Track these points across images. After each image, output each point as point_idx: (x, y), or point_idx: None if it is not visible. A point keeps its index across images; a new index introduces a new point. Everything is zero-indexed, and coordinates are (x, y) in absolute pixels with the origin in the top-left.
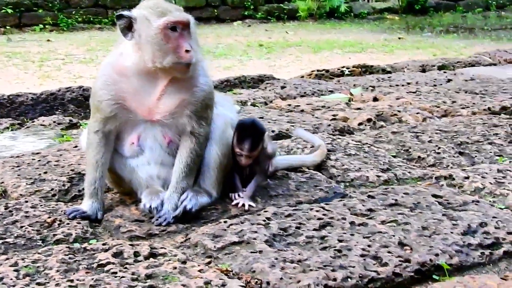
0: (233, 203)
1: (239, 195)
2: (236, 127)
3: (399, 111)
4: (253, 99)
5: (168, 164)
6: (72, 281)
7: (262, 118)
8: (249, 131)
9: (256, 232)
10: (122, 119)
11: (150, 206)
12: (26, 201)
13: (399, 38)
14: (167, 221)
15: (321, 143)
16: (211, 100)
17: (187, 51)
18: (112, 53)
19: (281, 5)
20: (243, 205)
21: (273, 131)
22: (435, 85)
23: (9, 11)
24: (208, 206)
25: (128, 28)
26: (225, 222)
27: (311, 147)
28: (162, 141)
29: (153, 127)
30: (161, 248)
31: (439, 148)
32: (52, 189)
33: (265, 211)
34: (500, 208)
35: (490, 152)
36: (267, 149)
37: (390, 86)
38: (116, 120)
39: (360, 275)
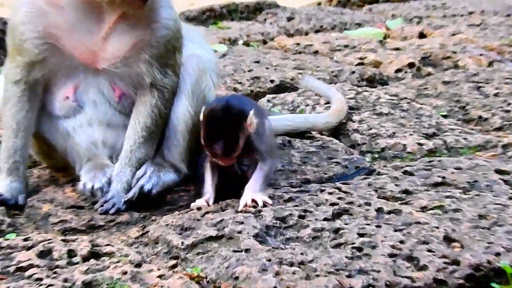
0: (240, 207)
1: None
2: (203, 115)
3: (454, 52)
4: (247, 35)
5: (119, 125)
6: None
7: (258, 62)
8: (221, 125)
9: (242, 223)
10: (53, 65)
11: (93, 187)
12: None
13: None
14: (116, 207)
15: (340, 97)
16: (178, 39)
17: None
18: None
19: None
20: (254, 201)
21: (272, 81)
22: (508, 15)
23: None
24: (176, 186)
25: None
26: (198, 209)
27: (325, 104)
28: (110, 93)
29: (97, 75)
30: (107, 245)
31: (509, 104)
32: None
33: None
34: None
35: None
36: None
37: (444, 16)
38: (44, 66)
39: (388, 283)
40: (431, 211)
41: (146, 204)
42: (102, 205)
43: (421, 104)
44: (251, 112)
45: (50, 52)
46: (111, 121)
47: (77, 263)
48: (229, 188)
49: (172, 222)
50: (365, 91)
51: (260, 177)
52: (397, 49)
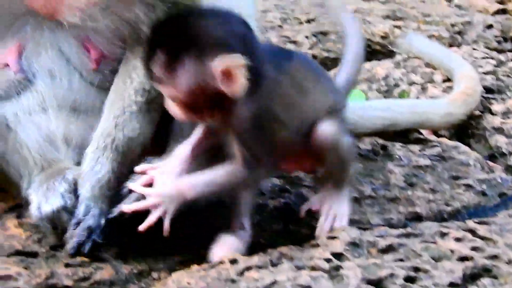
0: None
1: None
2: None
3: None
4: None
5: (93, 110)
6: None
7: (322, 6)
8: (170, 31)
9: None
10: None
11: (53, 211)
12: None
13: None
14: (92, 237)
15: (468, 71)
16: None
17: None
18: None
19: None
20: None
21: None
22: None
23: None
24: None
25: None
26: (233, 262)
27: (444, 81)
28: (79, 56)
29: (57, 28)
30: None
31: None
32: None
33: (332, 238)
34: None
35: None
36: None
37: None
38: None
39: None
40: None
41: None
42: (71, 238)
43: None
44: (237, 56)
45: None
46: (80, 103)
47: None
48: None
49: (189, 284)
50: None
51: (216, 175)
52: None
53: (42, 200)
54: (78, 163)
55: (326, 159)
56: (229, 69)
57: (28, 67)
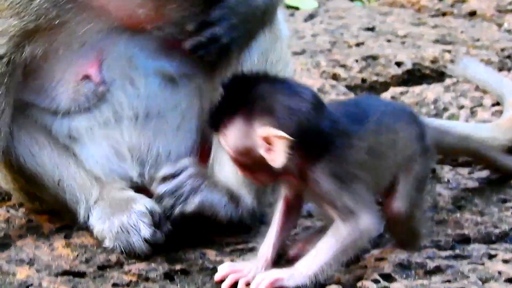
0: None
1: None
2: None
3: None
4: None
5: (166, 111)
6: None
7: (372, 30)
8: (231, 95)
9: None
10: (69, 33)
11: (135, 249)
12: None
13: None
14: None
15: None
16: None
17: None
18: None
19: None
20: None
21: (398, 64)
22: None
23: None
24: (226, 227)
25: None
26: None
27: (493, 106)
28: (165, 55)
29: (137, 37)
30: None
31: None
32: None
33: (381, 259)
34: None
35: None
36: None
37: None
38: (53, 35)
39: None
40: None
41: None
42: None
43: None
44: (279, 132)
45: (75, 13)
46: (153, 107)
47: None
48: None
49: None
50: None
51: (328, 248)
52: None
53: (121, 237)
54: (141, 175)
55: (396, 229)
56: (270, 140)
57: (108, 77)
